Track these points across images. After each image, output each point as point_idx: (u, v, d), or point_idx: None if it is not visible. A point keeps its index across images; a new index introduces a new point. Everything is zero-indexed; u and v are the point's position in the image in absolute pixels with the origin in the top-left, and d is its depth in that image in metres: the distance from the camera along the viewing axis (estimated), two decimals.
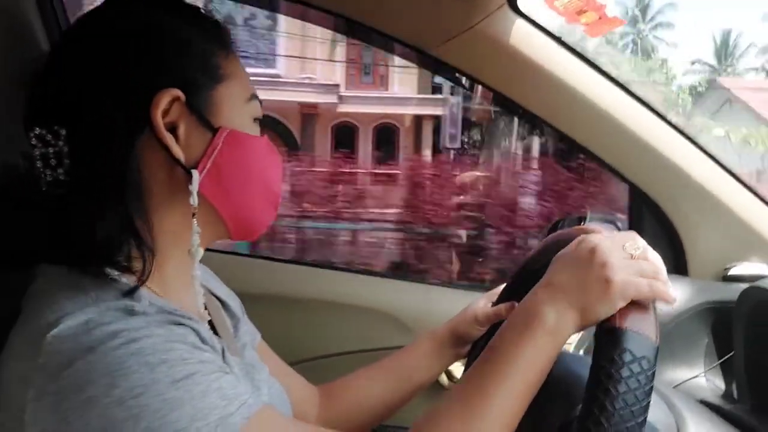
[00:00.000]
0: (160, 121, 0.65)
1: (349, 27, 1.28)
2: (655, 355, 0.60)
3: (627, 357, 0.59)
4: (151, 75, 0.66)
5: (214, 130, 0.68)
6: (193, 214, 0.67)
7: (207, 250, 0.75)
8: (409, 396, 1.01)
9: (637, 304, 0.63)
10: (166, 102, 0.65)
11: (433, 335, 1.03)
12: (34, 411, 0.55)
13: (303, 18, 1.30)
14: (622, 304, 0.63)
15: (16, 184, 0.66)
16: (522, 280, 0.97)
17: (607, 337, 0.61)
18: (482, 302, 1.03)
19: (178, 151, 0.66)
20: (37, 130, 0.64)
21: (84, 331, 0.56)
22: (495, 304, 1.01)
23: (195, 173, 0.66)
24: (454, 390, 0.68)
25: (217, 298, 0.88)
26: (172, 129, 0.66)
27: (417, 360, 1.02)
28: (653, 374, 0.59)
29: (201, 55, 0.69)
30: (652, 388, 0.59)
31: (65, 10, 1.24)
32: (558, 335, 0.65)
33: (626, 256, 0.66)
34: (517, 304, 0.95)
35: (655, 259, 0.67)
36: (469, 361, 1.03)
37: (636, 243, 0.67)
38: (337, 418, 0.98)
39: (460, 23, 1.14)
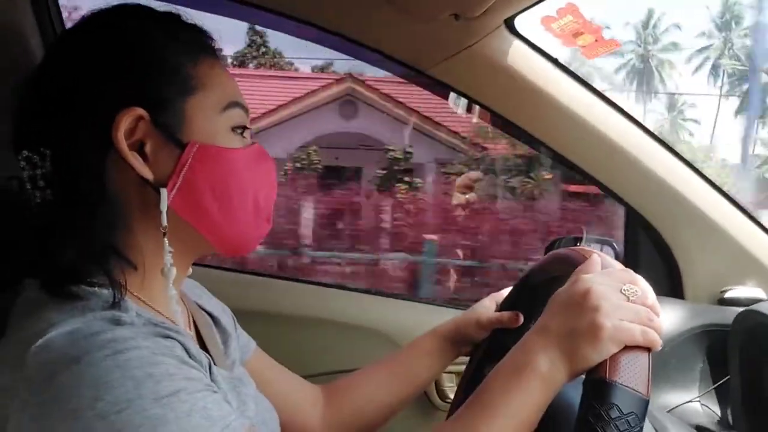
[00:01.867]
0: (123, 142, 0.64)
1: (346, 46, 1.28)
2: (644, 410, 0.58)
3: (614, 413, 0.57)
4: (113, 94, 0.64)
5: (183, 146, 0.66)
6: (164, 234, 0.66)
7: (201, 265, 0.75)
8: (411, 394, 1.02)
9: (630, 354, 0.61)
10: (130, 122, 0.64)
11: (435, 333, 1.04)
12: (18, 422, 0.55)
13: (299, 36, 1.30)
14: (613, 349, 0.62)
15: (8, 205, 0.66)
16: (523, 293, 0.97)
17: (595, 390, 0.59)
18: (487, 302, 1.03)
19: (144, 171, 0.65)
20: (25, 153, 0.64)
21: (70, 341, 0.55)
22: (499, 309, 1.00)
23: (163, 192, 0.65)
24: (445, 427, 0.67)
25: (208, 313, 0.87)
26: (141, 147, 0.65)
27: (419, 358, 1.02)
28: (641, 431, 0.57)
29: (169, 69, 0.67)
30: None
31: (65, 27, 1.25)
32: (550, 383, 0.64)
33: (622, 298, 0.64)
34: (521, 315, 0.95)
35: (653, 304, 0.66)
36: (470, 364, 1.03)
37: (634, 286, 0.66)
38: (341, 417, 0.98)
39: (457, 43, 1.14)
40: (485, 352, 1.01)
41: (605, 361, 0.61)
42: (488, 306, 1.03)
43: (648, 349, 0.62)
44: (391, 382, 1.01)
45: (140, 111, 0.64)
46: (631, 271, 0.68)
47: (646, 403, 0.58)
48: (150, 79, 0.66)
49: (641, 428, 0.57)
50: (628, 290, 0.65)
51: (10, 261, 0.65)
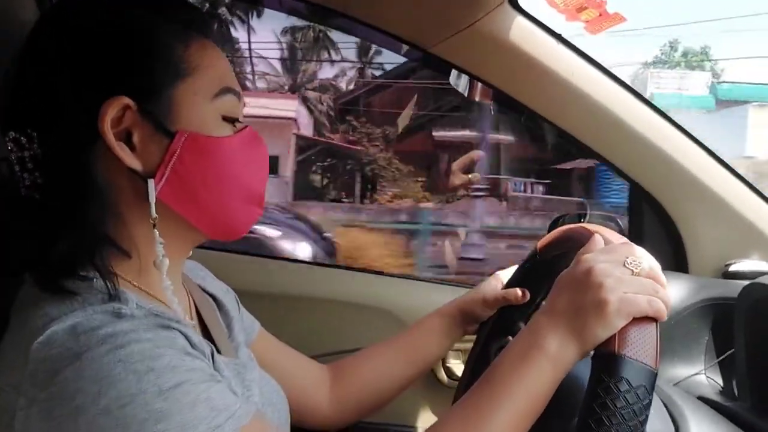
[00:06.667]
0: (109, 132, 0.61)
1: (348, 25, 1.27)
2: (653, 382, 0.58)
3: (623, 386, 0.57)
4: (98, 82, 0.62)
5: (172, 135, 0.63)
6: (154, 225, 0.64)
7: (204, 248, 0.74)
8: (418, 373, 1.03)
9: (638, 327, 0.61)
10: (116, 111, 0.62)
11: (442, 313, 1.04)
12: (24, 419, 0.55)
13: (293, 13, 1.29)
14: (621, 323, 0.62)
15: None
16: (531, 268, 0.97)
17: (604, 364, 0.60)
18: (493, 282, 1.03)
19: (131, 161, 0.63)
20: (12, 134, 0.62)
21: (71, 336, 0.55)
22: (505, 287, 1.01)
23: (151, 183, 0.63)
24: (455, 409, 0.67)
25: (212, 296, 0.87)
26: (129, 136, 0.63)
27: (426, 337, 1.03)
28: (649, 403, 0.58)
29: (158, 53, 0.64)
30: (647, 417, 0.57)
31: None
32: (560, 363, 0.64)
33: (626, 272, 0.64)
34: (527, 292, 0.96)
35: (657, 275, 0.65)
36: (476, 342, 1.04)
37: (637, 259, 0.65)
38: (348, 396, 0.99)
39: (460, 21, 1.13)
40: (492, 330, 1.01)
41: (614, 335, 0.61)
42: (494, 284, 1.03)
43: (655, 321, 0.62)
44: (398, 360, 1.01)
45: (126, 100, 0.62)
46: (633, 244, 0.68)
47: (655, 375, 0.59)
48: (137, 66, 0.63)
49: (650, 400, 0.58)
50: (631, 263, 0.65)
51: (9, 247, 0.63)
